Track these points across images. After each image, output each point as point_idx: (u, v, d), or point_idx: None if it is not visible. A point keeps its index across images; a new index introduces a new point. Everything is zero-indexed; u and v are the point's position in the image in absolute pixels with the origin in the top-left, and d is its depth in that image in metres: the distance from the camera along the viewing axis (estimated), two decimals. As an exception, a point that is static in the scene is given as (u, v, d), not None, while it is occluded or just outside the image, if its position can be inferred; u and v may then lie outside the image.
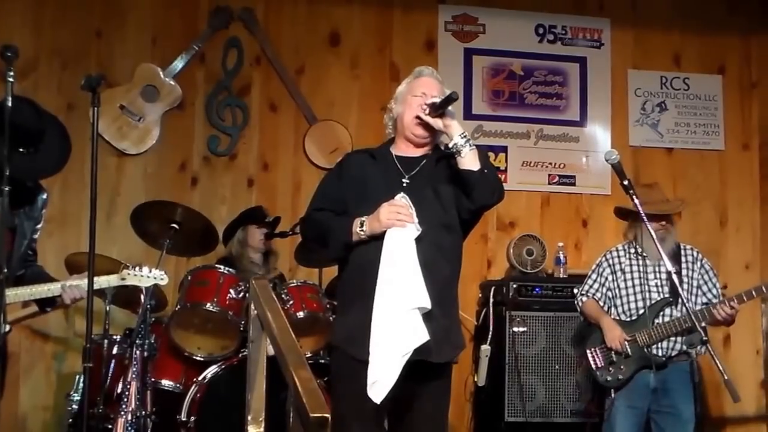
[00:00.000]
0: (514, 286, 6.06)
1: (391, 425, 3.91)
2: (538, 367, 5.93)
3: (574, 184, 7.00)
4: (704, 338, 4.02)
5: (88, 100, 3.94)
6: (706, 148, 7.17)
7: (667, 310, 5.00)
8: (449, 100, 3.80)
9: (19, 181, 3.90)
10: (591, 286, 5.22)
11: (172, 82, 6.53)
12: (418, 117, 3.87)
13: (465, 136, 3.81)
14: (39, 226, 4.13)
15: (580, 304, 5.24)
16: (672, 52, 7.22)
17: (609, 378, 5.01)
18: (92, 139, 3.95)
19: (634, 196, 4.19)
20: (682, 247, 5.20)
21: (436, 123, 3.84)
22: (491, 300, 6.12)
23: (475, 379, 6.11)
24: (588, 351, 5.10)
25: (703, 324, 4.93)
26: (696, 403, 4.28)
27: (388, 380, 3.57)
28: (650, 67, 7.20)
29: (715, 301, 5.06)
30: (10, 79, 3.66)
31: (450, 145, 3.83)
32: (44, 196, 4.12)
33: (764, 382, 5.91)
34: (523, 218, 6.85)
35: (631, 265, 5.14)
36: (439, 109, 3.82)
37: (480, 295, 6.39)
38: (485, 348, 6.00)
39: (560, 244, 6.48)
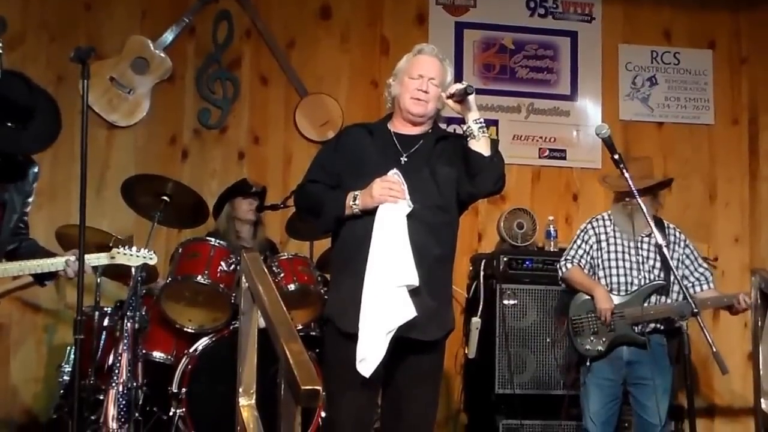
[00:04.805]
0: (505, 259, 6.07)
1: (384, 399, 3.93)
2: (528, 340, 5.94)
3: (564, 158, 7.02)
4: (695, 310, 4.04)
5: (77, 72, 3.93)
6: (695, 123, 7.18)
7: (659, 294, 5.04)
8: (465, 93, 3.80)
9: (9, 155, 3.89)
10: (576, 252, 5.21)
11: (162, 55, 6.50)
12: (415, 98, 3.87)
13: (480, 122, 3.83)
14: (30, 199, 4.12)
15: (564, 270, 5.22)
16: (662, 27, 7.22)
17: (588, 347, 5.04)
18: (82, 112, 3.94)
19: (624, 170, 4.20)
20: (666, 225, 5.22)
21: (455, 107, 3.86)
22: (482, 273, 6.12)
23: (466, 352, 6.13)
24: (572, 316, 5.13)
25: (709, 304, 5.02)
26: (686, 376, 4.31)
27: (375, 356, 3.60)
28: (641, 41, 7.19)
29: (708, 274, 5.15)
30: (-1, 51, 3.66)
31: (464, 128, 3.85)
32: (35, 170, 4.11)
33: (752, 354, 5.94)
34: (514, 192, 6.83)
35: (615, 236, 5.16)
36: (458, 98, 3.83)
37: (470, 268, 6.39)
38: (476, 321, 6.01)
39: (551, 217, 6.48)
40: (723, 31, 7.27)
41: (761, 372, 4.87)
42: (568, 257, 5.23)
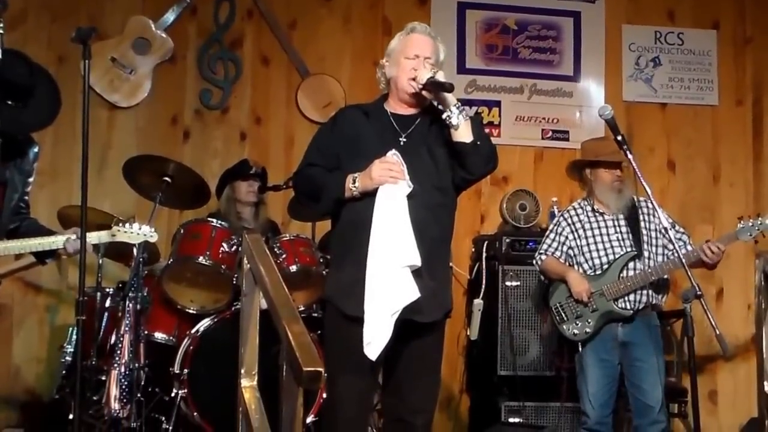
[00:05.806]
0: (507, 240, 6.07)
1: (385, 381, 3.94)
2: (530, 322, 5.95)
3: (567, 139, 6.98)
4: (698, 293, 4.03)
5: (78, 52, 3.92)
6: (699, 104, 7.14)
7: (633, 264, 5.02)
8: (444, 88, 3.76)
9: (9, 134, 3.88)
10: (549, 245, 5.23)
11: (163, 35, 6.47)
12: (413, 79, 3.82)
13: (458, 107, 3.78)
14: (31, 179, 4.13)
15: (539, 262, 5.24)
16: (666, 7, 7.17)
17: (576, 331, 5.04)
18: (83, 92, 3.93)
19: (627, 151, 4.18)
20: (636, 199, 5.20)
21: (429, 95, 3.82)
22: (484, 254, 6.12)
23: (468, 333, 6.13)
24: (553, 305, 5.13)
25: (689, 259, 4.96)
26: (690, 359, 4.31)
27: (382, 339, 3.60)
28: (644, 22, 7.14)
29: (686, 237, 5.12)
30: (0, 31, 3.64)
31: (443, 117, 3.80)
32: (36, 149, 4.12)
33: (755, 336, 5.95)
34: (517, 173, 6.83)
35: (589, 221, 5.16)
36: (433, 88, 3.79)
37: (473, 249, 6.40)
38: (478, 302, 6.01)
39: (554, 199, 6.46)
40: (727, 11, 7.21)
41: (764, 355, 4.87)
42: (541, 250, 5.26)
